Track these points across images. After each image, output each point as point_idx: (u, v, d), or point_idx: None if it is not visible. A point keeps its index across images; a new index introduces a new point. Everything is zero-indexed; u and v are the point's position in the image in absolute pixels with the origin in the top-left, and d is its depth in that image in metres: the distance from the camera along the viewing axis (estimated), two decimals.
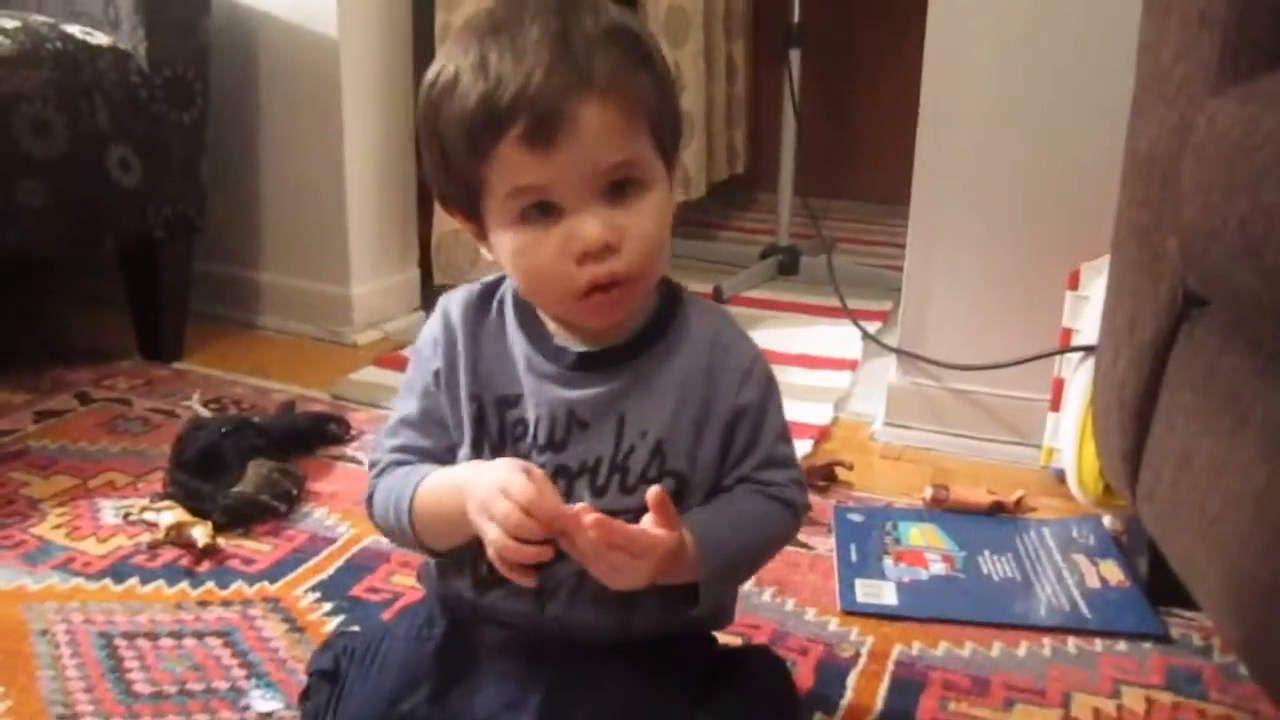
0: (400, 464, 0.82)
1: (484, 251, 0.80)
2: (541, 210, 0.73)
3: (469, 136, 0.71)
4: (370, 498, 0.84)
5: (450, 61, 0.73)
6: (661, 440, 0.77)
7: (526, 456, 0.78)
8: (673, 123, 0.78)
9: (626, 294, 0.75)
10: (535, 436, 0.78)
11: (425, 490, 0.78)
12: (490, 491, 0.71)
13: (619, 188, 0.73)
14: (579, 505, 0.70)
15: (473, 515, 0.73)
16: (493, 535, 0.71)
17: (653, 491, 0.71)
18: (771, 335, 1.94)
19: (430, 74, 0.76)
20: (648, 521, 0.71)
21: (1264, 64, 0.85)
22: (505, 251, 0.75)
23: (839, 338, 1.91)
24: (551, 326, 0.80)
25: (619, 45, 0.72)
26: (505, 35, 0.71)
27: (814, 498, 1.34)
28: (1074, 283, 1.33)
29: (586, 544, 0.69)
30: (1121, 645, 1.05)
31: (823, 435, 1.55)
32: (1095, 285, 1.27)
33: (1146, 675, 1.01)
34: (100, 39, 1.60)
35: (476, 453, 0.80)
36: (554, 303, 0.77)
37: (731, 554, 0.77)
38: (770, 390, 0.81)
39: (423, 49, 1.93)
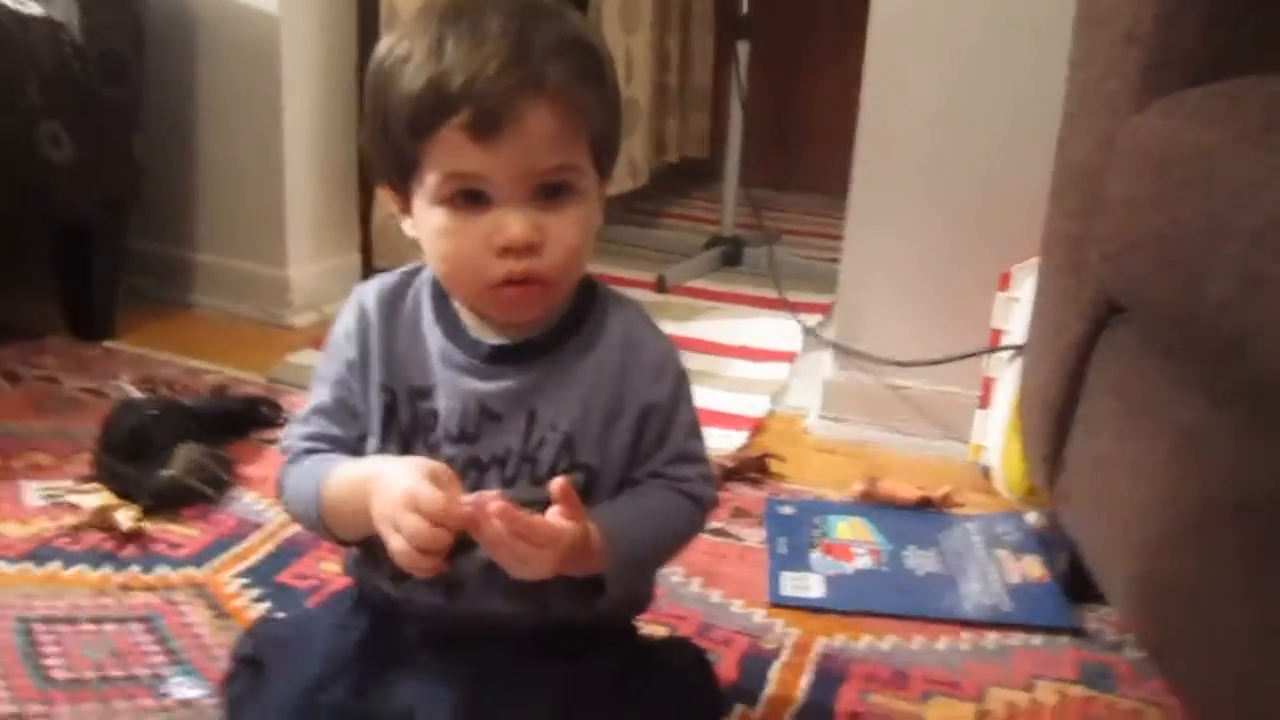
0: (311, 452, 0.82)
1: (405, 226, 0.79)
2: (471, 197, 0.73)
3: (413, 115, 0.71)
4: (280, 485, 0.83)
5: (406, 37, 0.73)
6: (571, 434, 0.78)
7: (437, 448, 0.78)
8: (612, 142, 0.79)
9: (539, 294, 0.75)
10: (447, 428, 0.78)
11: (331, 484, 0.78)
12: (396, 504, 0.70)
13: (551, 191, 0.74)
14: (486, 494, 0.71)
15: (378, 523, 0.72)
16: (396, 545, 0.71)
17: (557, 482, 0.71)
18: (712, 326, 1.95)
19: (384, 45, 0.75)
20: (554, 513, 0.71)
21: (1187, 81, 0.87)
22: (428, 230, 0.75)
23: (779, 330, 1.92)
24: (466, 319, 0.80)
25: (576, 57, 0.73)
26: (465, 23, 0.71)
27: (746, 490, 1.36)
28: (1005, 284, 1.36)
29: (491, 533, 0.69)
30: (1037, 640, 1.08)
31: (758, 427, 1.56)
32: (1026, 287, 1.29)
33: (1060, 669, 1.03)
34: (33, 8, 1.56)
35: (385, 443, 0.80)
36: (467, 289, 0.77)
37: (638, 546, 0.78)
38: (681, 386, 0.82)
39: (367, 30, 1.91)
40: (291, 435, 0.84)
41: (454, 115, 0.70)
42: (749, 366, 1.78)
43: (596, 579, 0.76)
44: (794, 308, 1.86)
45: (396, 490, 0.71)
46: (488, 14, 0.71)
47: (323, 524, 0.80)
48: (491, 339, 0.79)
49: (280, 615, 1.03)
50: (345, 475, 0.78)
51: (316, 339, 1.78)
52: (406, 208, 0.78)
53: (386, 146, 0.75)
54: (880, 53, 1.46)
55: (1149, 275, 0.81)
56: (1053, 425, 1.04)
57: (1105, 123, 0.92)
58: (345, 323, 0.82)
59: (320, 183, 1.92)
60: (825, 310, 2.00)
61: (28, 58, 1.52)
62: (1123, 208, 0.86)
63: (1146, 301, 0.85)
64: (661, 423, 0.80)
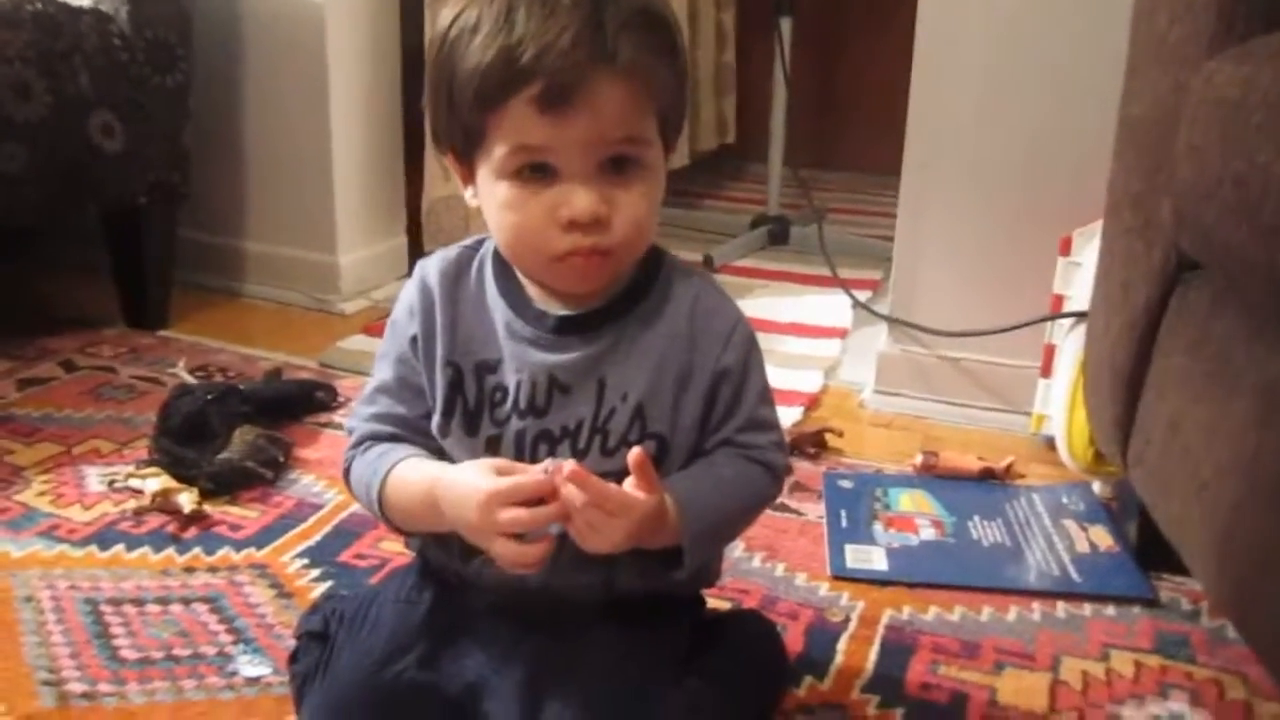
0: (375, 436, 0.82)
1: (467, 196, 0.79)
2: (538, 170, 0.72)
3: (481, 86, 0.70)
4: (347, 473, 0.83)
5: (474, 5, 0.71)
6: (642, 403, 0.77)
7: (505, 422, 0.78)
8: (679, 116, 0.78)
9: (604, 265, 0.74)
10: (516, 401, 0.78)
11: (393, 487, 0.79)
12: (486, 509, 0.70)
13: (618, 164, 0.73)
14: (561, 460, 0.70)
15: (472, 536, 0.73)
16: (501, 549, 0.71)
17: (633, 454, 0.70)
18: (762, 304, 1.93)
19: (448, 13, 0.74)
20: (629, 484, 0.70)
21: (1259, 26, 0.84)
22: (494, 202, 0.74)
23: (829, 306, 1.90)
24: (531, 291, 0.79)
25: (647, 30, 0.72)
26: None
27: (804, 464, 1.34)
28: (1065, 249, 1.33)
29: (565, 498, 0.69)
30: (1110, 610, 1.05)
31: (812, 403, 1.54)
32: (1087, 251, 1.26)
33: (1135, 639, 1.01)
34: (81, 1, 1.57)
35: (447, 420, 0.79)
36: (531, 261, 0.76)
37: (714, 518, 0.77)
38: (752, 353, 0.80)
39: (410, 14, 1.91)
40: (356, 416, 0.84)
41: (524, 88, 0.69)
42: (801, 343, 1.76)
43: (671, 551, 0.75)
44: (844, 284, 1.83)
45: (476, 497, 0.71)
46: None
47: (388, 523, 0.81)
48: (557, 310, 0.78)
49: (345, 592, 1.03)
50: (406, 483, 0.78)
51: (367, 324, 1.79)
52: (470, 178, 0.78)
53: (452, 117, 0.75)
54: (931, 19, 1.43)
55: (1227, 224, 0.79)
56: (1122, 390, 1.01)
57: (1174, 72, 0.89)
58: (408, 299, 0.82)
59: (368, 168, 1.93)
60: (874, 286, 1.98)
61: (78, 48, 1.53)
62: (1196, 157, 0.83)
63: (1224, 252, 0.82)
64: (732, 390, 0.79)
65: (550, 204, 0.72)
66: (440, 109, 0.75)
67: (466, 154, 0.76)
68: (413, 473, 0.78)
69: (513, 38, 0.69)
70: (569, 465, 0.69)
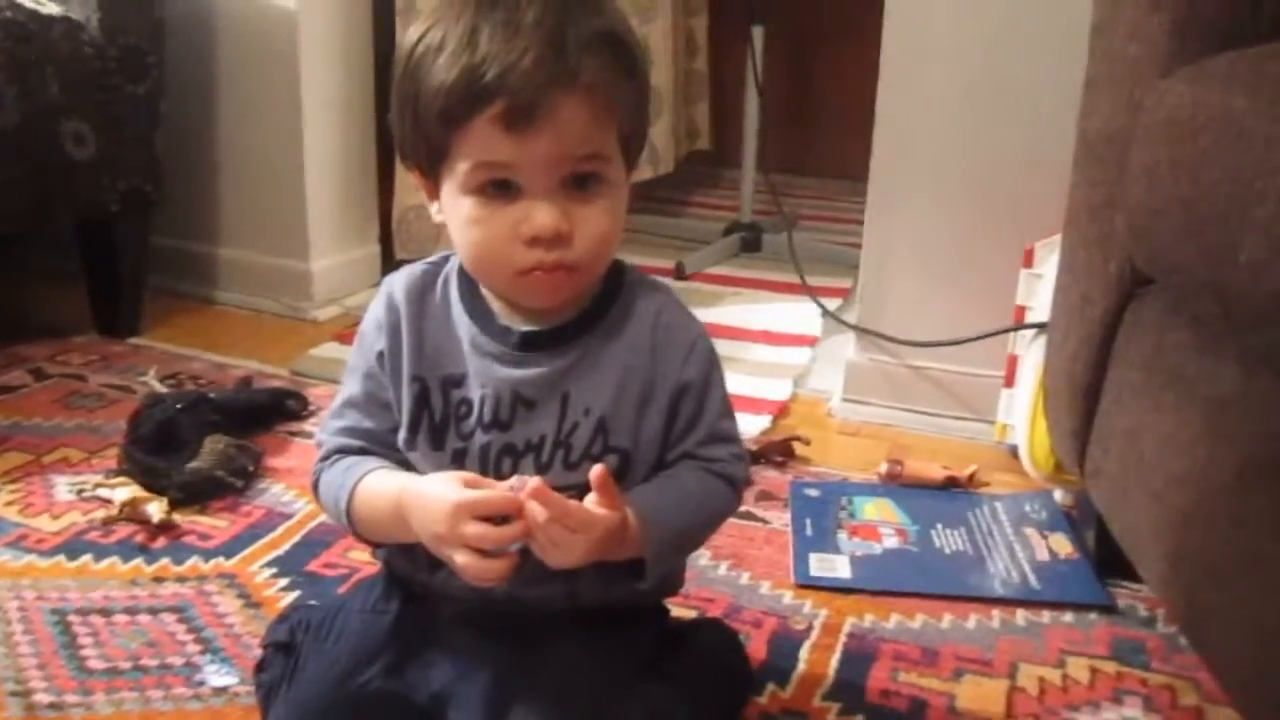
0: (344, 450, 0.83)
1: (432, 211, 0.80)
2: (501, 187, 0.73)
3: (445, 105, 0.71)
4: (315, 485, 0.84)
5: (439, 25, 0.73)
6: (604, 417, 0.78)
7: (470, 436, 0.79)
8: (641, 134, 0.79)
9: (567, 280, 0.75)
10: (480, 416, 0.79)
11: (361, 499, 0.79)
12: (450, 520, 0.71)
13: (581, 181, 0.74)
14: (526, 477, 0.71)
15: (433, 545, 0.74)
16: (463, 560, 0.72)
17: (595, 471, 0.71)
18: (733, 312, 1.95)
19: (415, 31, 0.75)
20: (590, 500, 0.71)
21: (1214, 46, 0.86)
22: (457, 217, 0.75)
23: (799, 314, 1.91)
24: (496, 306, 0.80)
25: (610, 51, 0.73)
26: (500, 12, 0.71)
27: (771, 473, 1.35)
28: (1029, 260, 1.35)
29: (528, 514, 0.70)
30: (1068, 617, 1.07)
31: (781, 411, 1.56)
32: (1049, 263, 1.28)
33: (1092, 646, 1.03)
34: (52, 8, 1.57)
35: (413, 434, 0.80)
36: (495, 277, 0.77)
37: (675, 530, 0.78)
38: (713, 366, 0.82)
39: (383, 22, 1.91)
40: (325, 430, 0.85)
41: (487, 107, 0.70)
42: (770, 351, 1.77)
43: (634, 563, 0.77)
44: (814, 292, 1.85)
45: (443, 508, 0.72)
46: (523, 4, 0.71)
47: (356, 534, 0.82)
48: (521, 326, 0.79)
49: (312, 602, 1.03)
50: (375, 494, 0.79)
51: (339, 332, 1.79)
52: (435, 194, 0.79)
53: (416, 133, 0.75)
54: (898, 29, 1.45)
55: (1177, 242, 0.81)
56: (1080, 400, 1.03)
57: (1129, 89, 0.91)
58: (374, 314, 0.83)
59: (341, 175, 1.93)
60: (845, 294, 1.99)
61: (49, 56, 1.53)
62: (1148, 175, 0.85)
63: (1175, 269, 0.84)
64: (694, 404, 0.80)
65: (513, 220, 0.73)
66: (405, 125, 0.76)
67: (431, 170, 0.77)
68: (380, 484, 0.79)
69: (476, 57, 0.70)
70: (533, 482, 0.70)
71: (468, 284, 0.81)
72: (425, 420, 0.80)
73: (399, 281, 0.83)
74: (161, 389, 1.50)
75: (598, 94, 0.72)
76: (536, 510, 0.70)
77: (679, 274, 2.16)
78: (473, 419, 0.79)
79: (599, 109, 0.72)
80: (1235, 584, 0.78)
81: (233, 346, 1.73)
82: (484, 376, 0.79)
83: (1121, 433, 0.97)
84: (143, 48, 1.65)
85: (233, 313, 1.92)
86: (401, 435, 0.81)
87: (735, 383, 1.61)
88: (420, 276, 0.83)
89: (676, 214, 2.70)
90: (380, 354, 0.81)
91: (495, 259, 0.75)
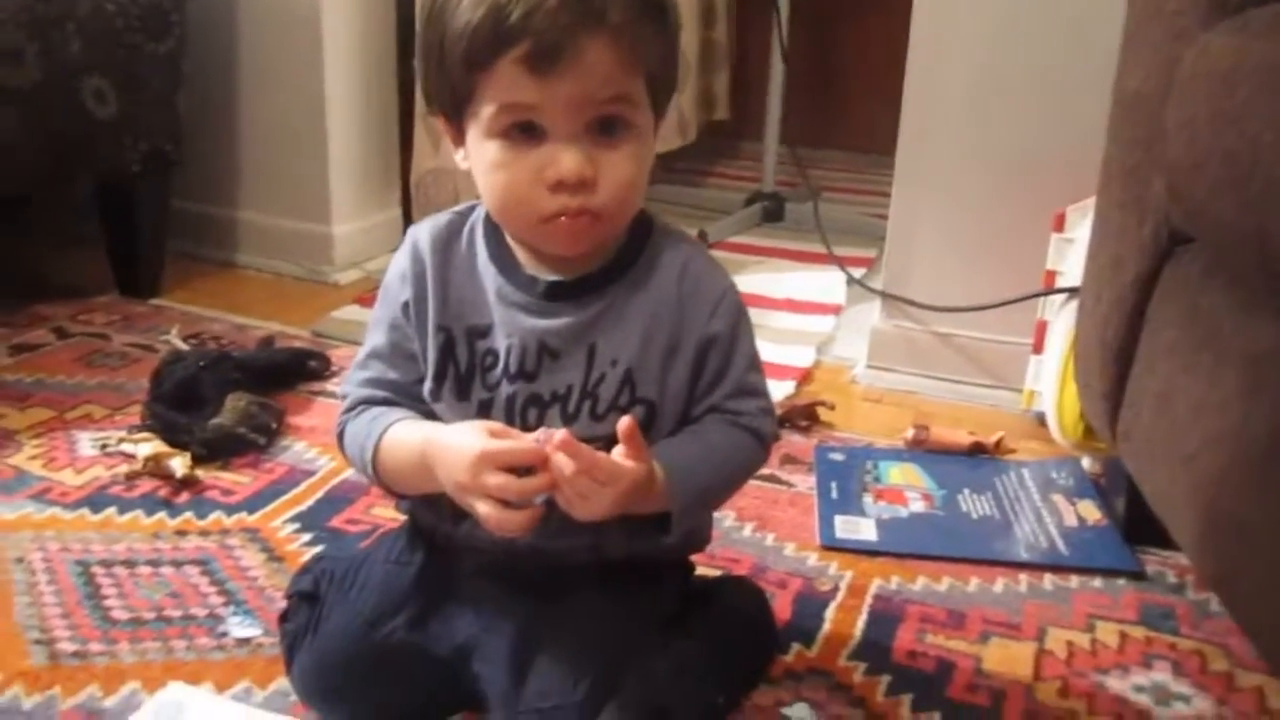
0: (369, 401, 0.82)
1: (458, 158, 0.79)
2: (526, 130, 0.72)
3: (469, 46, 0.70)
4: (340, 436, 0.84)
5: None
6: (631, 368, 0.77)
7: (496, 386, 0.78)
8: (668, 80, 0.78)
9: (592, 227, 0.74)
10: (506, 366, 0.78)
11: (386, 451, 0.79)
12: (473, 469, 0.70)
13: (607, 126, 0.73)
14: (552, 429, 0.70)
15: (457, 494, 0.73)
16: (486, 510, 0.71)
17: (623, 423, 0.70)
18: (756, 280, 1.93)
19: None
20: (618, 453, 0.71)
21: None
22: (482, 162, 0.74)
23: (823, 283, 1.90)
24: (522, 256, 0.79)
25: None
26: None
27: (795, 437, 1.34)
28: (1059, 225, 1.33)
29: (554, 467, 0.69)
30: (1097, 582, 1.06)
31: (805, 377, 1.55)
32: (1080, 228, 1.26)
33: (1120, 611, 1.02)
34: None
35: (439, 385, 0.80)
36: (519, 223, 0.76)
37: (701, 484, 0.78)
38: (740, 319, 0.81)
39: None
40: (350, 382, 0.85)
41: (512, 48, 0.69)
42: (794, 319, 1.76)
43: (660, 517, 0.76)
44: (839, 260, 1.83)
45: (467, 456, 0.71)
46: None
47: (381, 484, 0.81)
48: (547, 275, 0.79)
49: (336, 553, 1.03)
50: (400, 444, 0.78)
51: (360, 295, 1.78)
52: (460, 140, 0.78)
53: (441, 77, 0.74)
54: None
55: (1218, 196, 0.79)
56: (1112, 363, 1.01)
57: (1168, 45, 0.89)
58: (399, 264, 0.82)
59: (362, 138, 1.92)
60: (868, 264, 1.98)
61: (70, 14, 1.52)
62: (1187, 129, 0.84)
63: (1215, 223, 0.82)
64: (721, 356, 0.79)
65: (537, 164, 0.72)
66: (431, 70, 0.75)
67: (456, 115, 0.76)
68: (406, 434, 0.78)
69: None
70: (560, 434, 0.69)
71: (494, 233, 0.81)
72: (451, 371, 0.80)
73: (424, 231, 0.82)
74: (184, 347, 1.50)
75: (624, 36, 0.71)
76: (564, 462, 0.69)
77: (701, 242, 2.14)
78: (499, 369, 0.78)
79: (625, 51, 0.71)
80: (1270, 545, 0.77)
81: (253, 309, 1.73)
82: (510, 326, 0.78)
83: (1154, 395, 0.95)
84: (165, 6, 1.64)
85: (253, 276, 1.92)
86: (427, 386, 0.80)
87: (758, 349, 1.62)
88: (445, 226, 0.82)
89: (697, 184, 2.68)
90: (405, 304, 0.81)
91: (519, 204, 0.74)
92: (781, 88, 2.37)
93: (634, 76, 0.73)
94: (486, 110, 0.72)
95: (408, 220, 1.98)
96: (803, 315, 1.78)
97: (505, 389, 0.78)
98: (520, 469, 0.71)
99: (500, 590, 0.81)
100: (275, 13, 1.82)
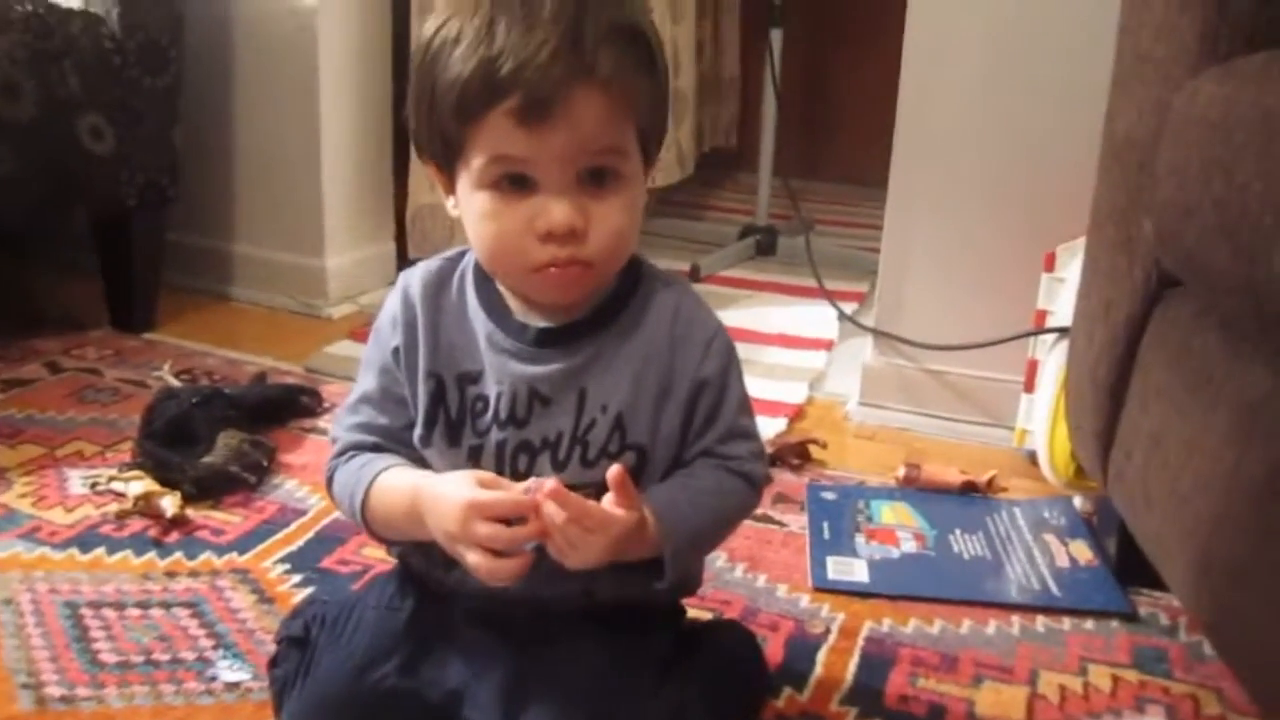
0: (358, 446, 0.82)
1: (448, 206, 0.79)
2: (516, 181, 0.72)
3: (460, 98, 0.71)
4: (330, 482, 0.84)
5: (456, 17, 0.72)
6: (622, 414, 0.77)
7: (486, 433, 0.78)
8: (658, 129, 0.79)
9: (583, 277, 0.74)
10: (496, 412, 0.78)
11: (377, 496, 0.79)
12: (462, 519, 0.71)
13: (597, 176, 0.73)
14: (542, 478, 0.70)
15: (447, 544, 0.73)
16: (475, 560, 0.71)
17: (613, 471, 0.70)
18: (748, 314, 1.94)
19: (432, 23, 0.74)
20: (608, 501, 0.71)
21: (1242, 46, 0.85)
22: (472, 212, 0.75)
23: (815, 318, 1.91)
24: (512, 303, 0.80)
25: (627, 45, 0.72)
26: (518, 5, 0.70)
27: (787, 476, 1.34)
28: (1050, 265, 1.34)
29: (544, 516, 0.69)
30: (1089, 624, 1.06)
31: (797, 414, 1.55)
32: (1071, 268, 1.27)
33: (1113, 654, 1.01)
34: (72, 2, 1.57)
35: (429, 431, 0.79)
36: (509, 273, 0.77)
37: (693, 530, 0.77)
38: (731, 362, 0.81)
39: (402, 19, 1.91)
40: (340, 425, 0.84)
41: (503, 101, 0.69)
42: (786, 354, 1.76)
43: (652, 563, 0.76)
44: (831, 295, 1.84)
45: (456, 506, 0.71)
46: None
47: (371, 531, 0.81)
48: (537, 322, 0.79)
49: (326, 598, 1.02)
50: (390, 491, 0.78)
51: (353, 329, 1.79)
52: (450, 188, 0.78)
53: (432, 127, 0.75)
54: (920, 32, 1.44)
55: (1209, 242, 0.79)
56: (1104, 404, 1.02)
57: (1157, 90, 0.90)
58: (390, 310, 0.82)
59: (357, 172, 1.93)
60: (860, 299, 1.99)
61: (68, 50, 1.53)
62: (1178, 174, 0.84)
63: (1204, 271, 0.83)
64: (712, 400, 0.79)
65: (528, 215, 0.72)
66: (422, 119, 0.76)
67: (447, 164, 0.76)
68: (396, 482, 0.78)
69: (493, 50, 0.69)
70: (550, 484, 0.69)
71: (484, 280, 0.81)
72: (441, 417, 0.80)
73: (415, 277, 0.82)
74: (176, 383, 1.49)
75: (614, 88, 0.71)
76: (554, 511, 0.69)
77: (694, 276, 2.15)
78: (489, 416, 0.78)
79: (616, 103, 0.71)
80: (1264, 590, 0.77)
81: (247, 343, 1.73)
82: (500, 373, 0.78)
83: (1146, 436, 0.96)
84: (162, 42, 1.65)
85: (247, 309, 1.92)
86: (417, 432, 0.80)
87: (750, 385, 1.61)
88: (436, 272, 0.82)
89: (691, 216, 2.69)
90: (396, 349, 0.81)
91: (510, 255, 0.74)
92: (775, 120, 2.38)
93: (624, 127, 0.73)
94: (477, 161, 0.73)
95: (401, 254, 1.99)
96: (795, 350, 1.78)
97: (495, 435, 0.78)
98: (509, 518, 0.71)
99: (492, 637, 0.81)
100: (270, 47, 1.83)
